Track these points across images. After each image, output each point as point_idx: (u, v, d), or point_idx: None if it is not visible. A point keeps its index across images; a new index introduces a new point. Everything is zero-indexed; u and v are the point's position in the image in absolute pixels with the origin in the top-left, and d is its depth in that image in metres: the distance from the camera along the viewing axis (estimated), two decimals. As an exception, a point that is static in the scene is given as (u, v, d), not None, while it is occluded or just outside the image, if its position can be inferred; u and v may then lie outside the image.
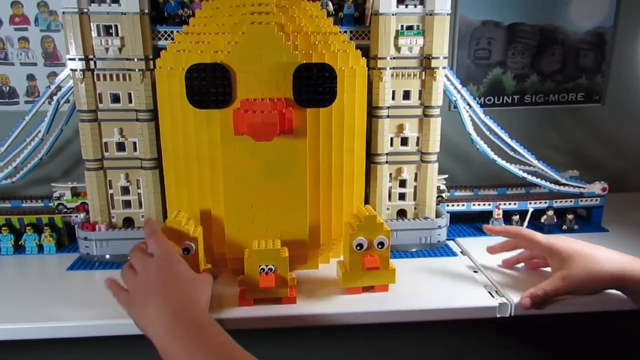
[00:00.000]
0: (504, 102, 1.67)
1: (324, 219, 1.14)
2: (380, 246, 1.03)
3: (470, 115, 1.36)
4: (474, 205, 1.43)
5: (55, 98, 1.26)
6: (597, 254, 0.87)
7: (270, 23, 1.01)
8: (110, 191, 1.25)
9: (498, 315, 1.03)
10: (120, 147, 1.23)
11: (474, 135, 1.37)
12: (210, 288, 0.89)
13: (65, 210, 1.33)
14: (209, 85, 0.99)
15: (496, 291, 1.09)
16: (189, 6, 1.22)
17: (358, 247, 1.03)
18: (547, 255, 0.94)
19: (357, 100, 1.16)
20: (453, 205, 1.42)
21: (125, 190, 1.25)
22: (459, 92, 1.34)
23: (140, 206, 1.26)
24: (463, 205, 1.42)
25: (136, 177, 1.24)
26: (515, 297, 1.04)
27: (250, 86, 1.00)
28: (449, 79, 1.31)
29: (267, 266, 0.97)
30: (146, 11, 1.16)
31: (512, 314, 1.03)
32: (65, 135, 1.39)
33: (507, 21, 1.61)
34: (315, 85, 1.01)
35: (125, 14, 1.15)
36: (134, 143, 1.22)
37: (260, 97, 1.01)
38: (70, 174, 1.56)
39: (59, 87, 1.27)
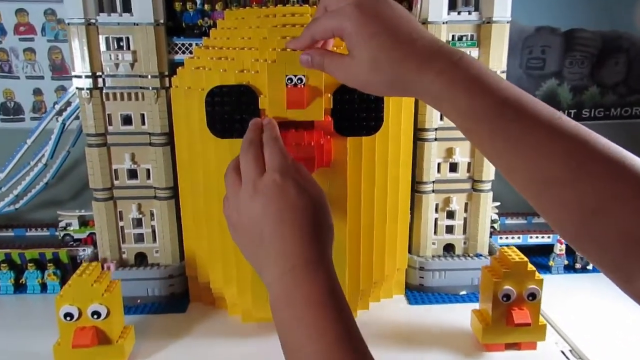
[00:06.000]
0: (559, 117, 1.48)
1: (365, 262, 0.99)
2: (530, 298, 0.88)
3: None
4: (530, 237, 1.26)
5: (60, 119, 1.13)
6: None
7: (306, 37, 0.85)
8: (121, 223, 1.11)
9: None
10: (132, 174, 1.09)
11: (533, 159, 1.19)
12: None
13: (72, 242, 1.20)
14: (233, 112, 0.85)
15: (570, 350, 0.92)
16: (209, 15, 1.07)
17: (504, 299, 0.88)
18: None
19: (404, 124, 1.01)
20: (506, 237, 1.26)
21: (137, 223, 1.12)
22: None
23: (154, 240, 1.12)
24: (518, 237, 1.26)
25: (150, 208, 1.11)
26: (593, 357, 0.88)
27: (281, 112, 0.84)
28: (505, 96, 1.14)
29: (296, 76, 0.78)
30: (161, 21, 1.02)
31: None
32: (75, 155, 1.26)
33: (564, 27, 1.43)
34: (358, 110, 0.86)
35: (137, 24, 1.01)
36: (147, 170, 1.08)
37: (293, 125, 0.85)
38: (79, 196, 1.42)
39: (65, 106, 1.14)
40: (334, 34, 0.60)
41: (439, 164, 1.13)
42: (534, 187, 0.46)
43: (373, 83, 0.58)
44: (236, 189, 0.63)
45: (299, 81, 0.81)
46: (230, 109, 0.85)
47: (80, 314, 0.84)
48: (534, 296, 0.88)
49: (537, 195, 0.46)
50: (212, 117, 0.85)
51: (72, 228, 1.21)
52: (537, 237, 1.26)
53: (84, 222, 1.23)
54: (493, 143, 0.48)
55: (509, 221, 1.34)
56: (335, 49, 0.73)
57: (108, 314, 0.84)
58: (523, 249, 1.24)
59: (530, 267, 0.89)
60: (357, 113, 0.86)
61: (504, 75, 1.09)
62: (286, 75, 0.81)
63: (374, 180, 0.96)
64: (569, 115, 1.50)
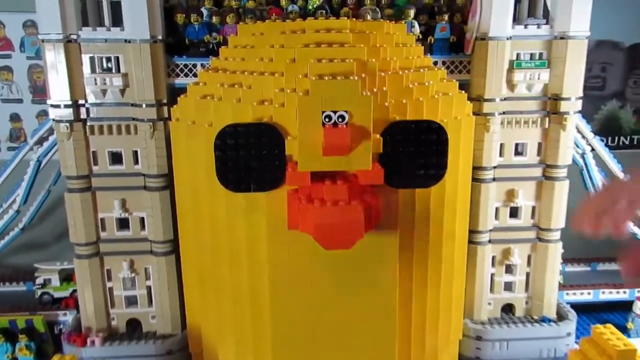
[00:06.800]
0: (620, 143, 1.30)
1: (417, 335, 0.79)
2: None
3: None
4: (603, 293, 1.05)
5: (35, 156, 0.93)
6: None
7: (349, 62, 0.64)
8: (109, 284, 0.92)
9: None
10: (123, 224, 0.90)
11: (609, 201, 0.99)
12: None
13: (51, 303, 1.00)
14: (251, 158, 0.64)
15: None
16: (218, 30, 0.87)
17: None
18: None
19: (462, 163, 0.80)
20: (574, 293, 1.05)
21: (129, 283, 0.92)
22: (588, 142, 0.97)
23: (150, 303, 0.93)
24: (588, 293, 1.05)
25: (144, 265, 0.92)
26: None
27: (315, 159, 0.63)
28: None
29: (336, 112, 0.60)
30: (159, 37, 0.83)
31: None
32: (58, 192, 1.05)
33: (628, 41, 1.23)
34: (415, 154, 0.66)
35: (130, 41, 0.82)
36: (142, 219, 0.90)
37: (328, 174, 0.65)
38: (64, 239, 1.21)
39: (48, 133, 0.94)
40: None
41: (496, 209, 0.94)
42: None
43: None
44: None
45: (340, 119, 0.61)
46: (247, 155, 0.65)
47: None
48: (645, 395, 0.68)
49: None
50: (224, 166, 0.65)
51: (51, 285, 1.00)
52: (610, 292, 1.04)
53: (67, 277, 1.02)
54: None
55: (570, 268, 1.14)
56: None
57: None
58: (592, 305, 1.05)
59: (640, 356, 0.69)
60: (414, 159, 0.66)
61: (579, 104, 0.89)
62: (323, 112, 0.61)
63: (427, 238, 0.76)
64: (631, 142, 1.30)
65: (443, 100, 0.74)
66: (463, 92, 0.81)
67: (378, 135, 0.65)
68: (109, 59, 0.84)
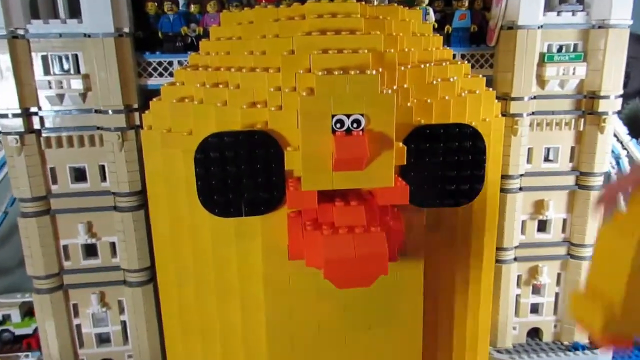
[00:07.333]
0: (643, 144, 1.19)
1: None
2: None
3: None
4: None
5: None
6: None
7: (363, 52, 0.52)
8: (76, 321, 0.81)
9: None
10: (90, 252, 0.79)
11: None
12: None
13: (12, 342, 0.88)
14: (241, 174, 0.52)
15: None
16: (197, 20, 0.74)
17: None
18: None
19: (491, 171, 0.68)
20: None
21: (100, 319, 0.81)
22: (624, 146, 0.87)
23: (126, 340, 0.82)
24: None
25: (117, 298, 0.81)
26: None
27: (321, 172, 0.51)
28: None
29: (349, 116, 0.48)
30: (126, 30, 0.71)
31: None
32: (18, 210, 0.92)
33: (653, 32, 1.13)
34: (445, 165, 0.54)
35: (90, 36, 0.70)
36: (112, 244, 0.79)
37: (338, 192, 0.52)
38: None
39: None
40: None
41: (523, 222, 0.84)
42: None
43: None
44: None
45: (355, 125, 0.48)
46: (237, 171, 0.52)
47: None
48: None
49: None
50: (207, 185, 0.53)
51: (12, 322, 0.87)
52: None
53: (29, 311, 0.89)
54: None
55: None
56: None
57: None
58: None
59: None
60: (444, 171, 0.54)
61: (618, 103, 0.78)
62: (333, 116, 0.48)
63: (454, 262, 0.65)
64: (654, 142, 1.21)
65: (470, 100, 0.62)
66: (491, 89, 0.69)
67: (401, 144, 0.52)
68: (66, 58, 0.72)
